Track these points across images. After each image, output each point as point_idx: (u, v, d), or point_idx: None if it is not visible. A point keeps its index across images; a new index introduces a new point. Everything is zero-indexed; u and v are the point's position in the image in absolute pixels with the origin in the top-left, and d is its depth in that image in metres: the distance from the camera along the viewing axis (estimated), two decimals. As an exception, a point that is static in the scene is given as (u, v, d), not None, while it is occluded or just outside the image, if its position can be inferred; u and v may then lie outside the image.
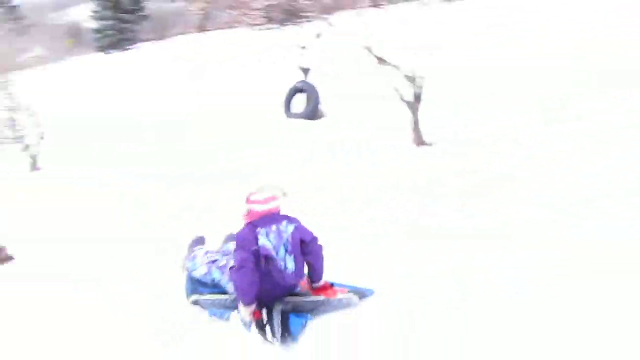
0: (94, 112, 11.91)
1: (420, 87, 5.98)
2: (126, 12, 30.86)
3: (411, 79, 5.91)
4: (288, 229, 2.92)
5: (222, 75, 13.76)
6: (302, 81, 8.84)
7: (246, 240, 2.85)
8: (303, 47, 8.52)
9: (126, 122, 10.53)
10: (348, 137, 7.01)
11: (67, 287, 3.70)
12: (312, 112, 8.45)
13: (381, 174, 5.44)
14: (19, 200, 6.15)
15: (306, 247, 2.95)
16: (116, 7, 30.68)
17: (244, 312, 2.84)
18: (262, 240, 2.84)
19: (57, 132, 8.73)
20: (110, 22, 30.69)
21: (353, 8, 5.91)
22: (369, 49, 6.03)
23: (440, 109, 6.81)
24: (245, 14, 5.46)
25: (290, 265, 2.91)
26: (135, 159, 7.58)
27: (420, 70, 6.03)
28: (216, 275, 3.16)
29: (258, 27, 5.89)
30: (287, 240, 2.90)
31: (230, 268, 2.92)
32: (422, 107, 6.13)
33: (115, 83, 15.52)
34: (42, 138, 7.73)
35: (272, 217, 2.94)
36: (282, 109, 8.92)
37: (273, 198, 3.02)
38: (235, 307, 2.92)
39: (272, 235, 2.87)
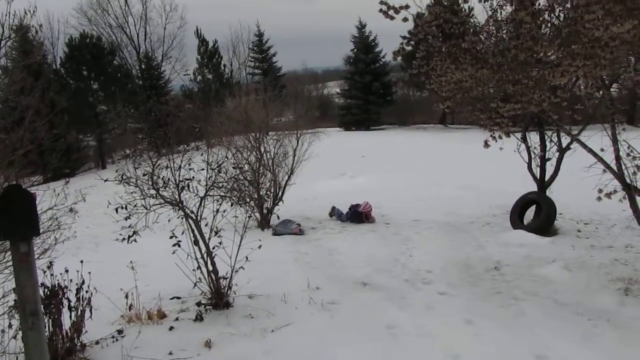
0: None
1: None
2: (375, 94, 32.86)
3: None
4: (357, 206, 9.34)
5: (463, 170, 14.12)
6: (535, 192, 8.63)
7: (352, 207, 9.51)
8: (548, 159, 8.31)
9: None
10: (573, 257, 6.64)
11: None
12: (544, 227, 8.13)
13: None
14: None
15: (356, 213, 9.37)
16: (366, 89, 32.82)
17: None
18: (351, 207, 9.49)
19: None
20: (357, 102, 33.00)
21: (604, 123, 5.65)
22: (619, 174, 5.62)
23: None
24: (491, 118, 5.79)
25: (348, 212, 9.44)
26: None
27: None
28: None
29: (498, 131, 6.09)
30: (355, 208, 9.37)
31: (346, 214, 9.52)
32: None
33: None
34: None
35: (357, 204, 9.39)
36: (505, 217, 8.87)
37: (361, 205, 9.35)
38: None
39: (355, 206, 9.41)
